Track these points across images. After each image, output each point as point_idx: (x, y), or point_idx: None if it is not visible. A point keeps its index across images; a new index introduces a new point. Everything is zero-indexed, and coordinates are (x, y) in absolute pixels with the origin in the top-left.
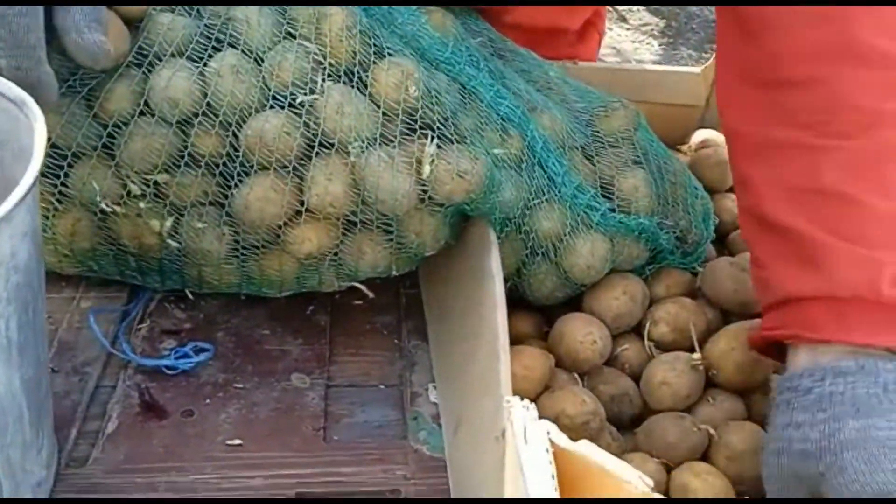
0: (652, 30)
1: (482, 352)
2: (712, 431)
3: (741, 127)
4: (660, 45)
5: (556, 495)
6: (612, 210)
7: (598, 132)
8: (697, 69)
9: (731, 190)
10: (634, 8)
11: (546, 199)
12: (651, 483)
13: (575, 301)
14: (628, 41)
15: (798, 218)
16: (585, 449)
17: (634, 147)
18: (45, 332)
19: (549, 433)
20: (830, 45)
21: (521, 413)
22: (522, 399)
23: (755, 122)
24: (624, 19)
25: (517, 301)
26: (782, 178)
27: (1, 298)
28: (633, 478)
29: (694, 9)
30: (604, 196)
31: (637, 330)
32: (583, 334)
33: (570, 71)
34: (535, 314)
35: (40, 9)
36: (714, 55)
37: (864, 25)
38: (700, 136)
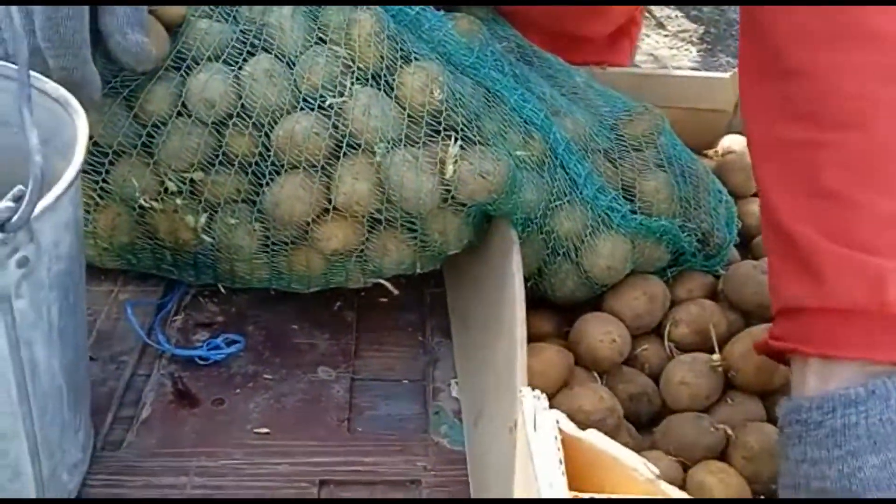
0: (690, 36)
1: (501, 348)
2: (730, 431)
3: (754, 127)
4: (698, 52)
5: (563, 481)
6: (634, 212)
7: (621, 136)
8: (726, 74)
9: (756, 195)
10: (673, 14)
11: (567, 201)
12: (657, 471)
13: (596, 301)
14: (666, 48)
15: (799, 221)
16: (593, 437)
17: (658, 151)
18: (84, 319)
19: (558, 422)
20: (827, 28)
21: (531, 402)
22: (534, 390)
23: (763, 121)
24: (662, 26)
25: (538, 301)
26: (786, 178)
27: (43, 285)
28: (639, 465)
29: (733, 16)
30: (626, 198)
31: (658, 331)
32: (602, 333)
33: (598, 76)
34: (556, 314)
35: (86, 11)
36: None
37: (865, 9)
38: (727, 141)
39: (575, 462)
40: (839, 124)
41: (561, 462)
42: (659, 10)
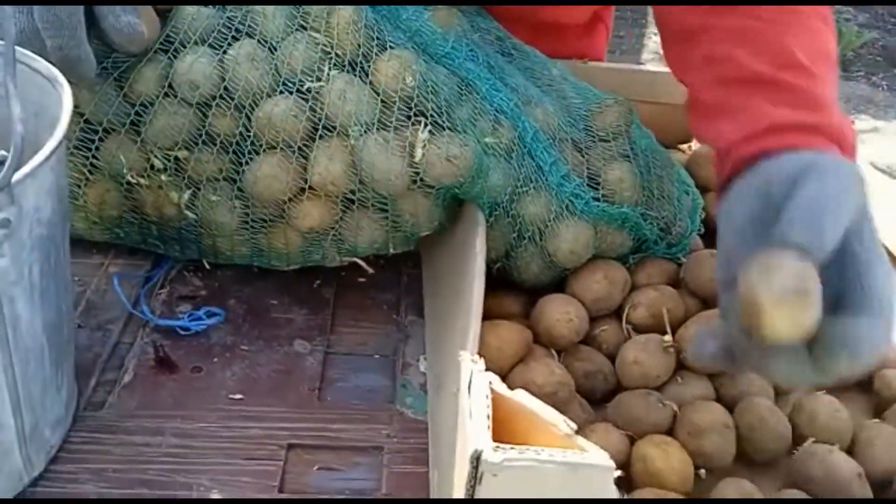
0: None
1: (460, 320)
2: (675, 408)
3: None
4: None
5: (488, 434)
6: (598, 199)
7: (590, 126)
8: None
9: None
10: None
11: (534, 187)
12: (574, 426)
13: (560, 284)
14: None
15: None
16: (520, 396)
17: (625, 142)
18: (69, 283)
19: (490, 383)
20: None
21: (468, 365)
22: (474, 356)
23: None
24: None
25: (506, 283)
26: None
27: (25, 246)
28: (559, 422)
29: None
30: (591, 186)
31: (618, 313)
32: (560, 313)
33: (578, 70)
34: (522, 296)
35: None
36: None
37: None
38: None
39: (505, 419)
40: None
41: (489, 417)
42: None
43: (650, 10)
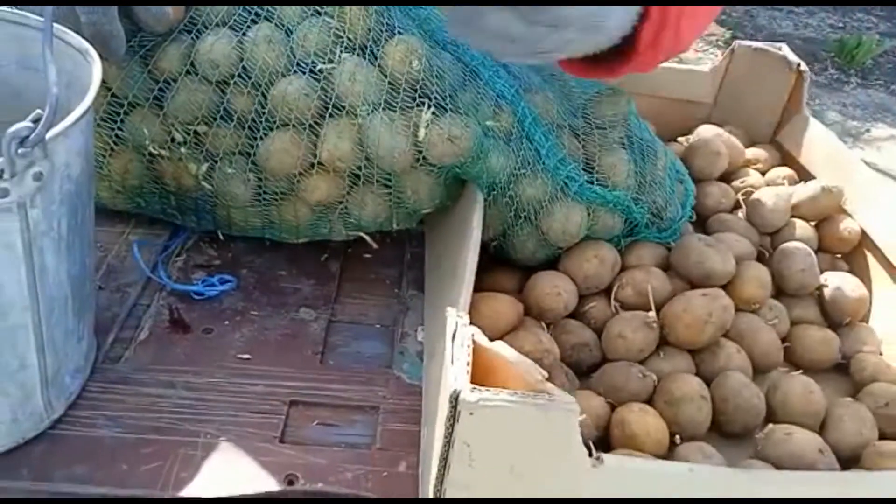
0: (717, 40)
1: (454, 291)
2: (654, 378)
3: None
4: (722, 55)
5: (467, 378)
6: (592, 182)
7: (588, 115)
8: (706, 68)
9: (719, 179)
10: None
11: (531, 170)
12: (546, 374)
13: (554, 263)
14: (692, 50)
15: None
16: (499, 347)
17: (621, 130)
18: (92, 243)
19: (473, 335)
20: None
21: (453, 319)
22: (461, 313)
23: None
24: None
25: (503, 261)
26: None
27: (54, 200)
28: (532, 370)
29: (761, 21)
30: (586, 171)
31: (607, 292)
32: (550, 286)
33: None
34: (518, 273)
35: None
36: (723, 56)
37: None
38: (701, 130)
39: (484, 369)
40: None
41: (468, 364)
42: None
43: None
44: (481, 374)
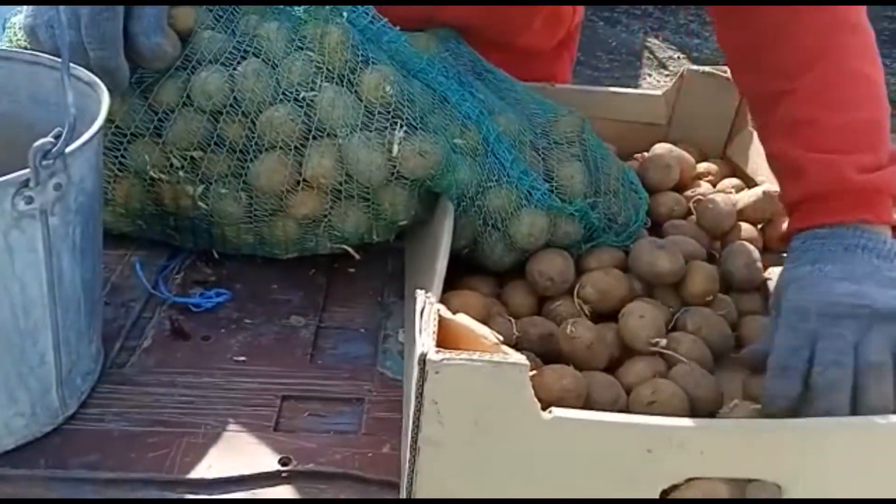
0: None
1: (429, 287)
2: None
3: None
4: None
5: (432, 343)
6: (552, 191)
7: (547, 133)
8: (659, 92)
9: (673, 190)
10: (675, 55)
11: (497, 182)
12: (501, 338)
13: (520, 269)
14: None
15: (785, 143)
16: (461, 318)
17: (577, 146)
18: (101, 252)
19: (438, 309)
20: (778, 18)
21: (422, 298)
22: (429, 294)
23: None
24: (664, 66)
25: (476, 269)
26: (775, 121)
27: (71, 209)
28: (488, 334)
29: None
30: (546, 181)
31: (569, 293)
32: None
33: (548, 92)
34: (490, 279)
35: (121, 14)
36: (674, 81)
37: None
38: (657, 147)
39: (449, 338)
40: (799, 71)
41: (434, 332)
42: (661, 52)
43: (644, 52)
44: (448, 342)
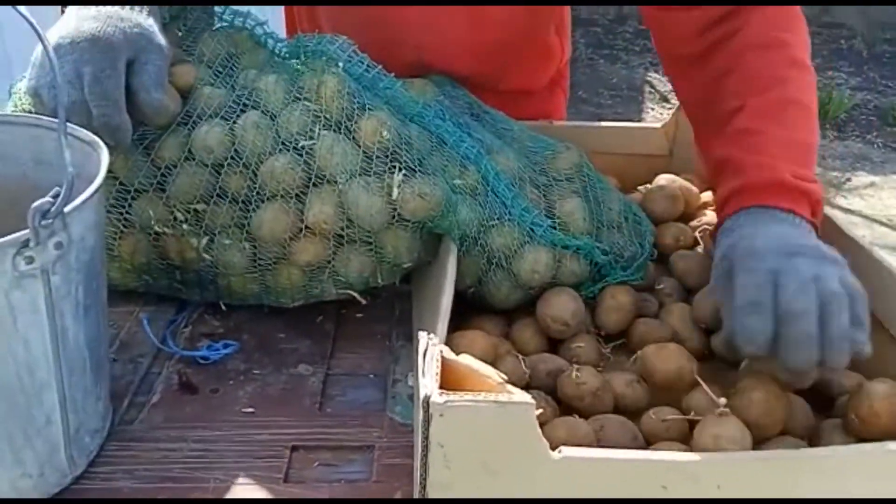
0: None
1: (434, 328)
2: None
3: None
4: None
5: (436, 385)
6: (554, 227)
7: (546, 170)
8: (658, 125)
9: (677, 219)
10: None
11: (499, 220)
12: (505, 377)
13: (528, 307)
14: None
15: (730, 149)
16: (464, 359)
17: (577, 181)
18: (106, 309)
19: (441, 351)
20: (743, 41)
21: (424, 339)
22: (431, 335)
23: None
24: (666, 99)
25: (483, 308)
26: (724, 133)
27: (72, 268)
28: (493, 374)
29: None
30: (548, 217)
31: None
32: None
33: (547, 129)
34: (497, 318)
35: (123, 73)
36: (673, 113)
37: (762, 26)
38: (659, 178)
39: (454, 380)
40: (754, 93)
41: (437, 373)
42: (662, 86)
43: (645, 87)
44: (452, 384)
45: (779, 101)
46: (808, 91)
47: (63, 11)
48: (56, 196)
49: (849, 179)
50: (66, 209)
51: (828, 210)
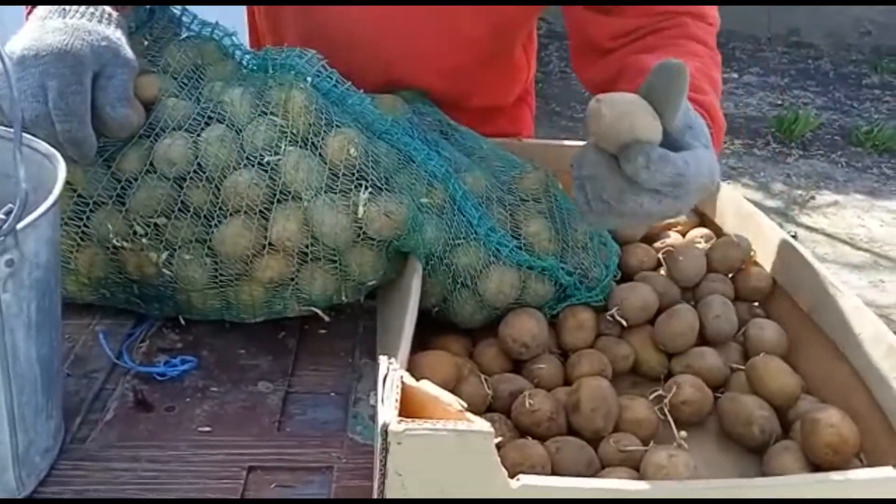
0: None
1: (395, 351)
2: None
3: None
4: None
5: (394, 413)
6: (520, 248)
7: (513, 189)
8: None
9: (641, 240)
10: None
11: (465, 239)
12: (465, 405)
13: (493, 327)
14: None
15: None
16: (424, 385)
17: (543, 202)
18: (59, 326)
19: (402, 377)
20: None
21: (385, 364)
22: (392, 360)
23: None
24: None
25: (447, 327)
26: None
27: (24, 285)
28: (453, 401)
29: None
30: (514, 238)
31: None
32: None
33: (515, 147)
34: (462, 337)
35: (89, 88)
36: None
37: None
38: None
39: (414, 407)
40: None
41: (397, 401)
42: None
43: None
44: (412, 411)
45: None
46: (715, 67)
47: (28, 13)
48: (8, 213)
49: (813, 198)
50: (19, 226)
51: (790, 229)
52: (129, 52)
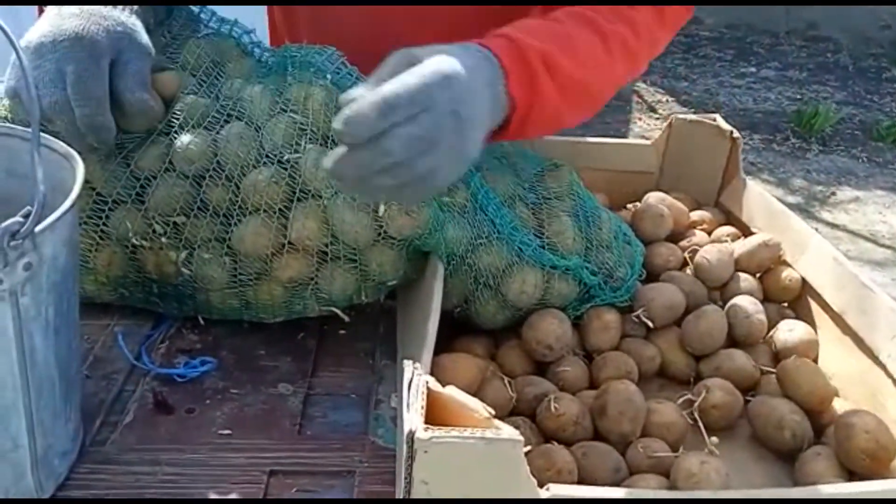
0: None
1: (418, 353)
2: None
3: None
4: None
5: (421, 420)
6: (543, 247)
7: (537, 188)
8: (648, 141)
9: (666, 239)
10: (664, 99)
11: (487, 238)
12: (493, 412)
13: (517, 329)
14: (657, 130)
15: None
16: (450, 391)
17: (567, 201)
18: (77, 329)
19: (427, 382)
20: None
21: (409, 369)
22: (416, 364)
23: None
24: (653, 109)
25: (470, 329)
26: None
27: (42, 288)
28: (480, 408)
29: (722, 98)
30: (537, 237)
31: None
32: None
33: (535, 144)
34: (485, 339)
35: (107, 72)
36: (663, 129)
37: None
38: (648, 196)
39: (439, 413)
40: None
41: (422, 407)
42: (650, 96)
43: (633, 97)
44: (438, 417)
45: (589, 40)
46: (611, 56)
47: (41, 12)
48: (27, 215)
49: (833, 194)
50: (37, 229)
51: (810, 225)
52: (145, 37)
